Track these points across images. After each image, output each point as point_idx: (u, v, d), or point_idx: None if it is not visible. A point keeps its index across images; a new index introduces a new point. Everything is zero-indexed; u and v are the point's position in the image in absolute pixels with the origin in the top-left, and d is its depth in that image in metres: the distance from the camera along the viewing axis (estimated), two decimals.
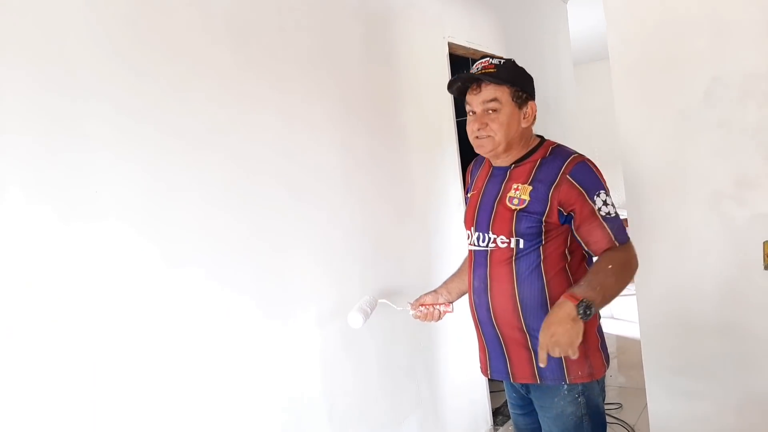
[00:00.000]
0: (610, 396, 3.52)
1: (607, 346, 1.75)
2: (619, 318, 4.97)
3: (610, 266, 1.52)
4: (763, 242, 2.21)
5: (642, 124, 2.44)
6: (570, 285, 1.59)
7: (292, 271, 1.98)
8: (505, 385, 1.87)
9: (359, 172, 2.34)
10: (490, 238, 1.67)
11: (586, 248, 1.62)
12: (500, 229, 1.65)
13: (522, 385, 1.76)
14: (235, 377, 1.75)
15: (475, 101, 1.65)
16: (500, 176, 1.70)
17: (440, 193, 2.92)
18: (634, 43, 2.44)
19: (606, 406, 3.26)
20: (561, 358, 1.57)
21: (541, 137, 1.74)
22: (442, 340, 2.77)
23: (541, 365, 1.49)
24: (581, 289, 1.46)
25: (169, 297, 1.59)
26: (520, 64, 1.68)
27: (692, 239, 2.37)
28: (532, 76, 1.69)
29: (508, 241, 1.64)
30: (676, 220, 2.40)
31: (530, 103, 1.67)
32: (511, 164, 1.69)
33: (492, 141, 1.64)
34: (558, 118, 4.33)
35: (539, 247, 1.61)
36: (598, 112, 6.66)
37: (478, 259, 1.73)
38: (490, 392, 3.17)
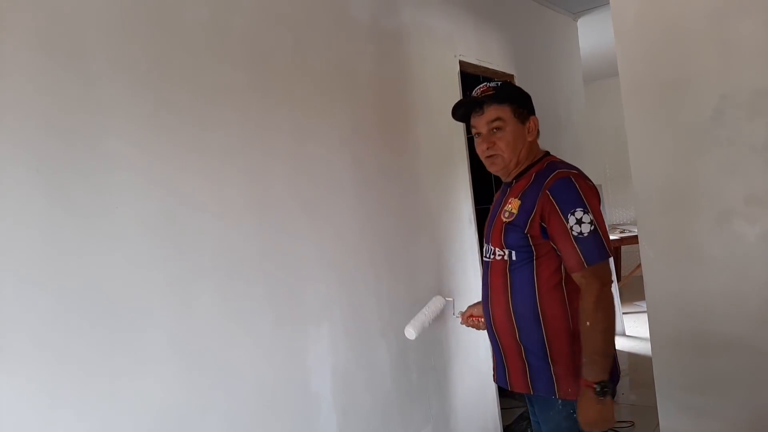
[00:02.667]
0: (622, 414, 3.50)
1: (618, 366, 1.75)
2: (631, 335, 4.94)
3: (588, 323, 1.56)
4: None
5: (651, 141, 2.45)
6: (564, 302, 1.64)
7: (305, 287, 2.01)
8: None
9: (371, 189, 2.37)
10: (491, 250, 1.76)
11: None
12: (495, 240, 1.73)
13: (525, 397, 1.83)
14: (248, 392, 1.77)
15: (480, 123, 1.73)
16: (506, 190, 1.79)
17: (452, 208, 2.94)
18: (643, 61, 2.46)
19: (617, 425, 3.27)
20: (551, 371, 1.65)
21: (547, 152, 1.80)
22: (453, 358, 2.77)
23: None
24: (588, 371, 1.56)
25: (185, 311, 1.62)
26: (518, 85, 1.74)
27: (703, 257, 2.37)
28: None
29: (503, 253, 1.71)
30: (687, 237, 2.40)
31: (531, 117, 1.75)
32: (513, 179, 1.76)
33: (502, 159, 1.73)
34: (569, 135, 4.35)
35: (532, 260, 1.65)
36: (610, 129, 6.67)
37: (484, 270, 1.82)
38: (502, 409, 3.16)
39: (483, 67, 3.30)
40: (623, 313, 5.13)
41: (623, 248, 6.39)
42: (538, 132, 1.76)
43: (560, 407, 1.68)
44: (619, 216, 7.23)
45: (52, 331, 1.34)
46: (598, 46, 5.46)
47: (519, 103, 1.72)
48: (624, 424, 3.30)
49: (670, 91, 2.40)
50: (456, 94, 3.03)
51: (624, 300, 5.44)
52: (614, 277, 1.65)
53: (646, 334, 2.78)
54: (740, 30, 2.24)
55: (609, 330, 1.58)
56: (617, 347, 5.10)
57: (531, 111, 1.76)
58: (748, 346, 2.29)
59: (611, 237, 5.58)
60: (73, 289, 1.38)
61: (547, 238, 1.63)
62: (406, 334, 2.03)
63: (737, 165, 2.27)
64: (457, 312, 2.07)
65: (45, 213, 1.35)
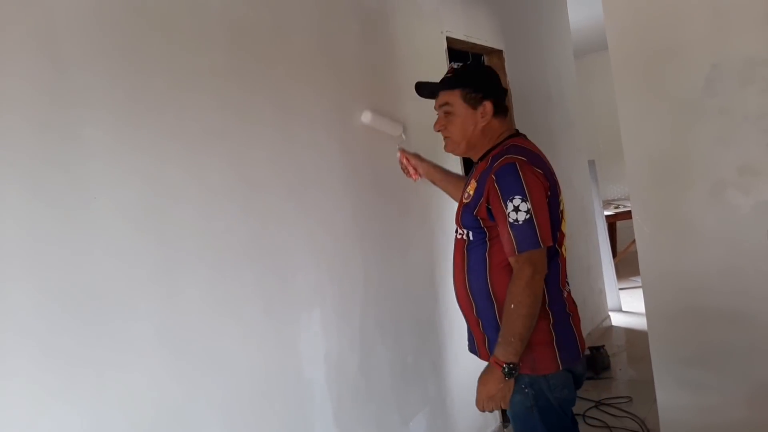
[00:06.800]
0: (620, 389, 3.51)
1: (586, 338, 1.77)
2: (628, 311, 4.95)
3: (512, 306, 1.60)
4: None
5: (643, 114, 2.41)
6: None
7: (295, 273, 1.98)
8: None
9: (359, 170, 2.33)
10: (456, 229, 1.84)
11: None
12: (457, 220, 1.82)
13: None
14: (240, 381, 1.75)
15: (435, 104, 1.84)
16: (471, 172, 1.85)
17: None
18: (633, 33, 2.42)
19: (616, 400, 3.27)
20: None
21: (515, 133, 1.82)
22: (449, 338, 2.76)
23: (480, 411, 1.68)
24: (502, 350, 1.61)
25: (171, 302, 1.59)
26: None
27: (697, 229, 2.35)
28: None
29: (462, 232, 1.79)
30: (680, 210, 2.38)
31: (485, 102, 1.76)
32: (477, 161, 1.82)
33: (451, 141, 1.82)
34: (561, 111, 4.29)
35: (485, 241, 1.71)
36: (603, 104, 6.62)
37: (453, 248, 1.88)
38: None
39: (471, 43, 3.24)
40: (619, 289, 5.13)
41: (618, 224, 6.38)
42: (502, 112, 1.79)
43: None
44: (613, 191, 7.22)
45: (36, 325, 1.31)
46: (588, 20, 5.39)
47: (473, 86, 1.76)
48: (622, 399, 3.31)
49: (661, 62, 2.36)
50: (444, 72, 2.97)
51: (620, 275, 5.43)
52: (546, 267, 1.68)
53: (642, 309, 2.77)
54: None
55: (530, 317, 1.60)
56: (613, 322, 5.08)
57: (488, 94, 1.76)
58: (744, 319, 2.28)
59: (606, 212, 5.57)
60: (55, 282, 1.35)
61: (493, 220, 1.67)
62: (362, 117, 2.31)
63: (730, 135, 2.24)
64: (402, 138, 2.34)
65: (21, 206, 1.31)
